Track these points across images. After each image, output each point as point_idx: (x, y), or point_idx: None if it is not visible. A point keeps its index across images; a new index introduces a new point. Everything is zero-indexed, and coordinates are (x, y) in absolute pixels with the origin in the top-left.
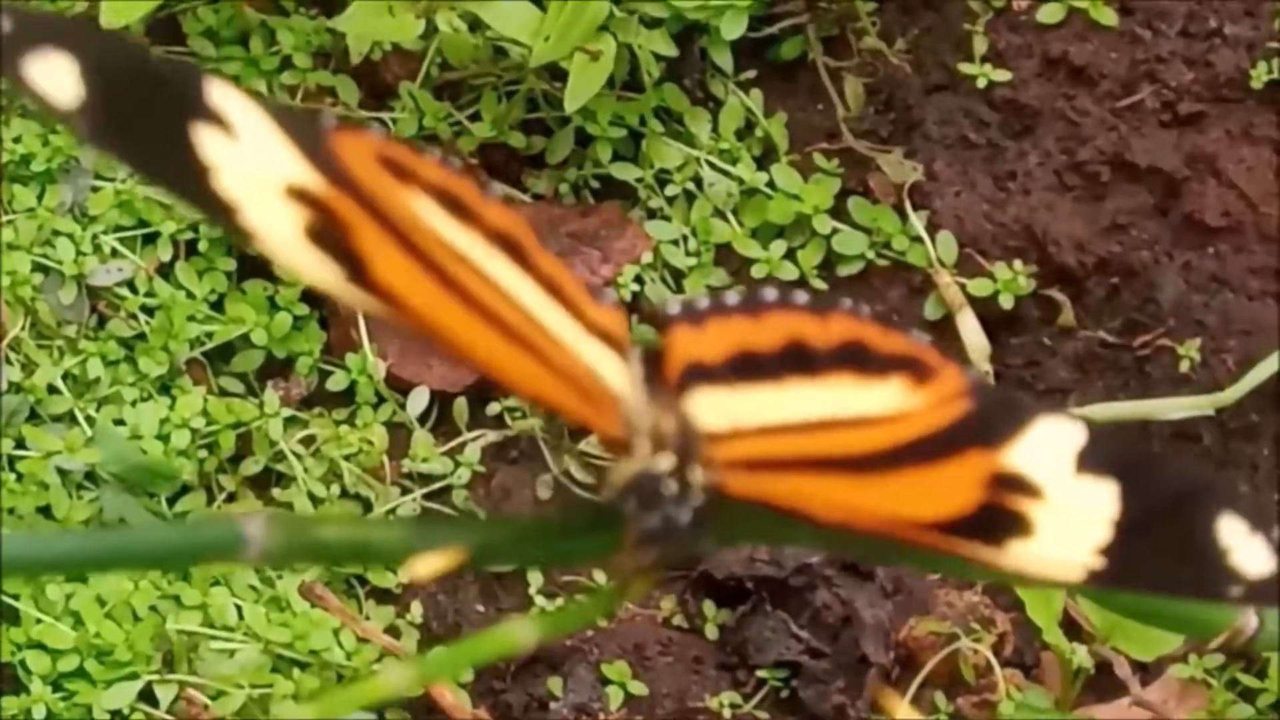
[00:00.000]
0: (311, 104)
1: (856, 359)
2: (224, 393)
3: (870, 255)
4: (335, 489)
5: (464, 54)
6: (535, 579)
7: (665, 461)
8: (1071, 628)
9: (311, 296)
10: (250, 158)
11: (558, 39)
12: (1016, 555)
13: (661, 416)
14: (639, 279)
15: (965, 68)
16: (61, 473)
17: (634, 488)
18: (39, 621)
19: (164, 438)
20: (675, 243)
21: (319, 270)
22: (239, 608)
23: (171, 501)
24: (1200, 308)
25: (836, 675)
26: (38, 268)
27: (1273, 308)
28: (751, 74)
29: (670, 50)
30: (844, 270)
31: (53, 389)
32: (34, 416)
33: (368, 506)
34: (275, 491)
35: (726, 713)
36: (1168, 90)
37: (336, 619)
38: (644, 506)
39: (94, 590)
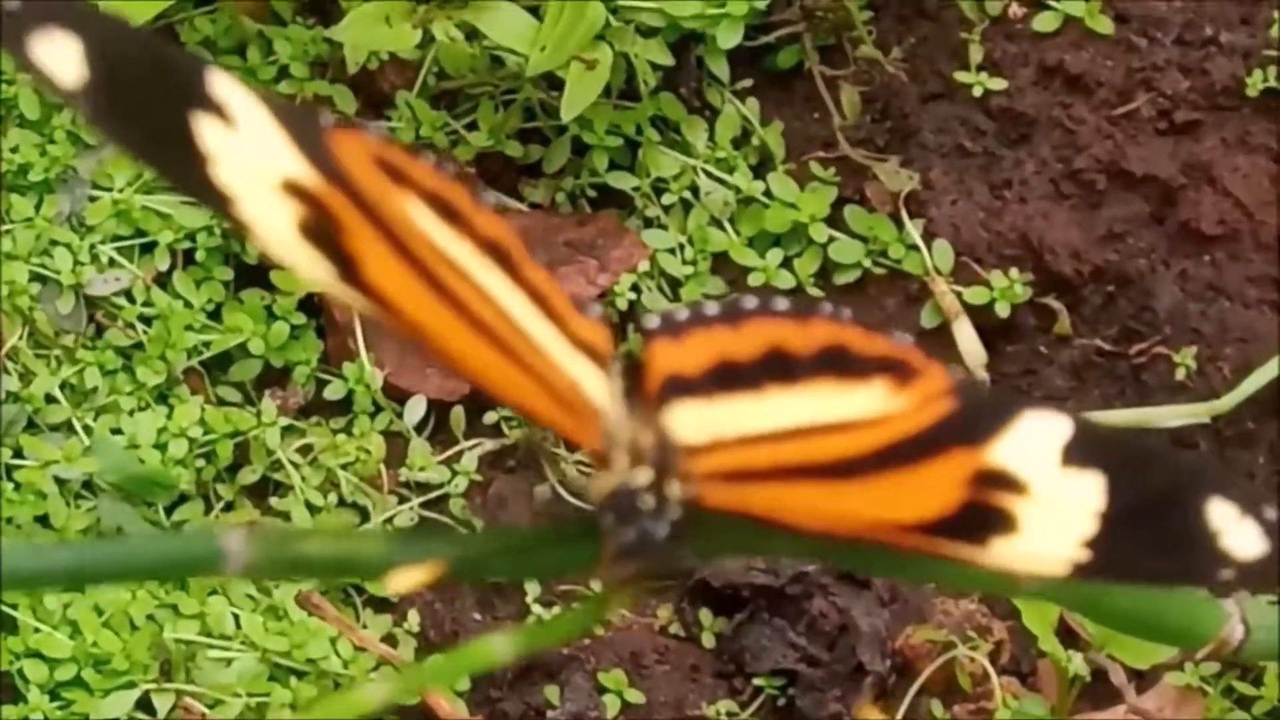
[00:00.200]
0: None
1: (838, 363)
2: (221, 402)
3: (867, 264)
4: (333, 498)
5: (461, 63)
6: (532, 588)
7: (643, 476)
8: (1068, 635)
9: (309, 306)
10: (248, 150)
11: (554, 48)
12: (1000, 552)
13: (640, 431)
14: (636, 288)
15: (961, 76)
16: (59, 482)
17: (611, 502)
18: (37, 630)
19: (161, 447)
20: (672, 251)
21: (312, 267)
22: (236, 616)
23: (169, 511)
24: (1196, 316)
25: (833, 683)
26: (35, 277)
27: (1269, 316)
28: (748, 83)
29: (667, 59)
30: (841, 279)
31: (50, 398)
32: (31, 426)
33: (365, 515)
34: (273, 500)
35: None
36: (1164, 98)
37: (333, 628)
38: (621, 521)
39: (91, 599)
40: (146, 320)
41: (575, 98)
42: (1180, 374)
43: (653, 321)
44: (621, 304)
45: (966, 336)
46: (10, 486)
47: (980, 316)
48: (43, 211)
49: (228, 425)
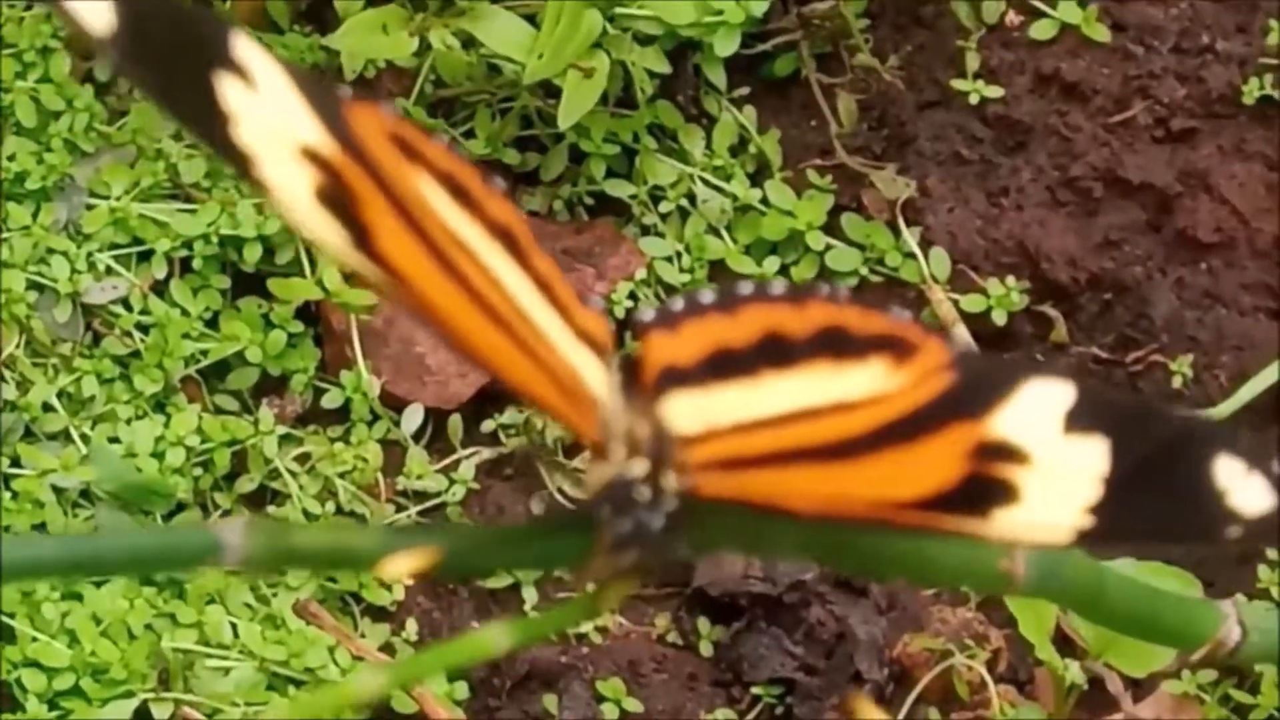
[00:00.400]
0: None
1: (835, 344)
2: (219, 410)
3: (864, 271)
4: (330, 506)
5: (458, 71)
6: (530, 594)
7: (639, 467)
8: (1064, 644)
9: (306, 314)
10: (269, 113)
11: (551, 56)
12: (1003, 523)
13: (637, 422)
14: (633, 295)
15: (958, 84)
16: (57, 490)
17: (607, 493)
18: (34, 640)
19: (159, 455)
20: (669, 259)
21: (327, 233)
22: (234, 625)
23: (167, 519)
24: (1193, 323)
25: (830, 692)
26: (32, 285)
27: (1266, 323)
28: (745, 91)
29: (664, 67)
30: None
31: (48, 407)
32: (29, 434)
33: (362, 524)
34: (270, 509)
35: None
36: (1160, 106)
37: (331, 637)
38: (617, 512)
39: (89, 608)
40: (144, 328)
41: (572, 105)
42: (1177, 382)
43: (648, 314)
44: (619, 312)
45: (963, 344)
46: (8, 495)
47: (977, 324)
48: (40, 219)
49: (225, 434)
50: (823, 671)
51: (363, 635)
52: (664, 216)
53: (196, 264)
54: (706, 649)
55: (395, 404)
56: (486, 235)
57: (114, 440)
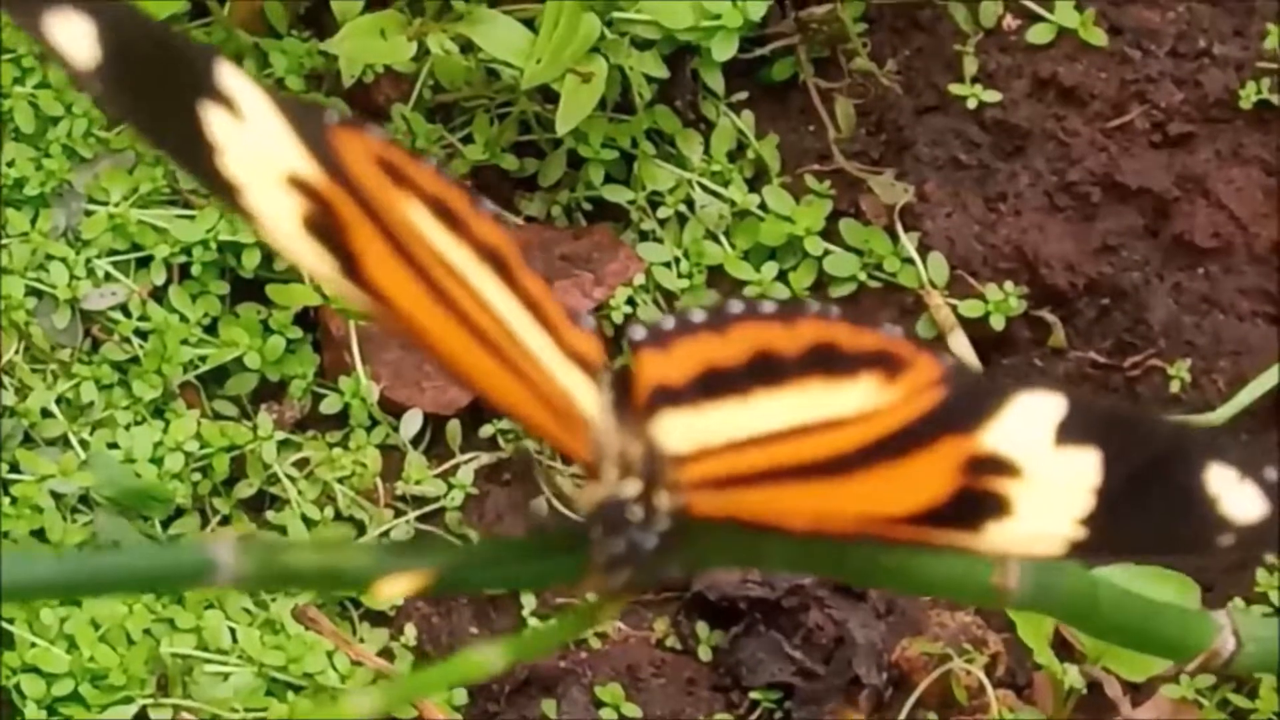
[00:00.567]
0: None
1: (826, 361)
2: (217, 416)
3: (862, 277)
4: (329, 511)
5: (456, 76)
6: (529, 601)
7: (631, 487)
8: (1063, 648)
9: (305, 320)
10: (255, 142)
11: (549, 61)
12: (995, 537)
13: (629, 442)
14: (631, 301)
15: (956, 89)
16: (55, 496)
17: (600, 513)
18: (33, 645)
19: (158, 461)
20: (667, 265)
21: (315, 261)
22: (233, 631)
23: (165, 525)
24: (1191, 328)
25: (829, 696)
26: (31, 292)
27: (1263, 328)
28: (743, 96)
29: (661, 72)
30: (836, 291)
31: (46, 413)
32: (28, 440)
33: (361, 529)
34: (269, 515)
35: None
36: (1157, 111)
37: (330, 642)
38: (609, 532)
39: (88, 614)
40: (142, 335)
41: (570, 111)
42: (1175, 387)
43: (639, 333)
44: (617, 317)
45: (961, 350)
46: (7, 501)
47: (975, 329)
48: (38, 226)
49: (224, 439)
50: (821, 676)
51: (361, 640)
52: (662, 222)
53: (195, 270)
54: (705, 653)
55: (394, 409)
56: (475, 257)
57: (113, 446)
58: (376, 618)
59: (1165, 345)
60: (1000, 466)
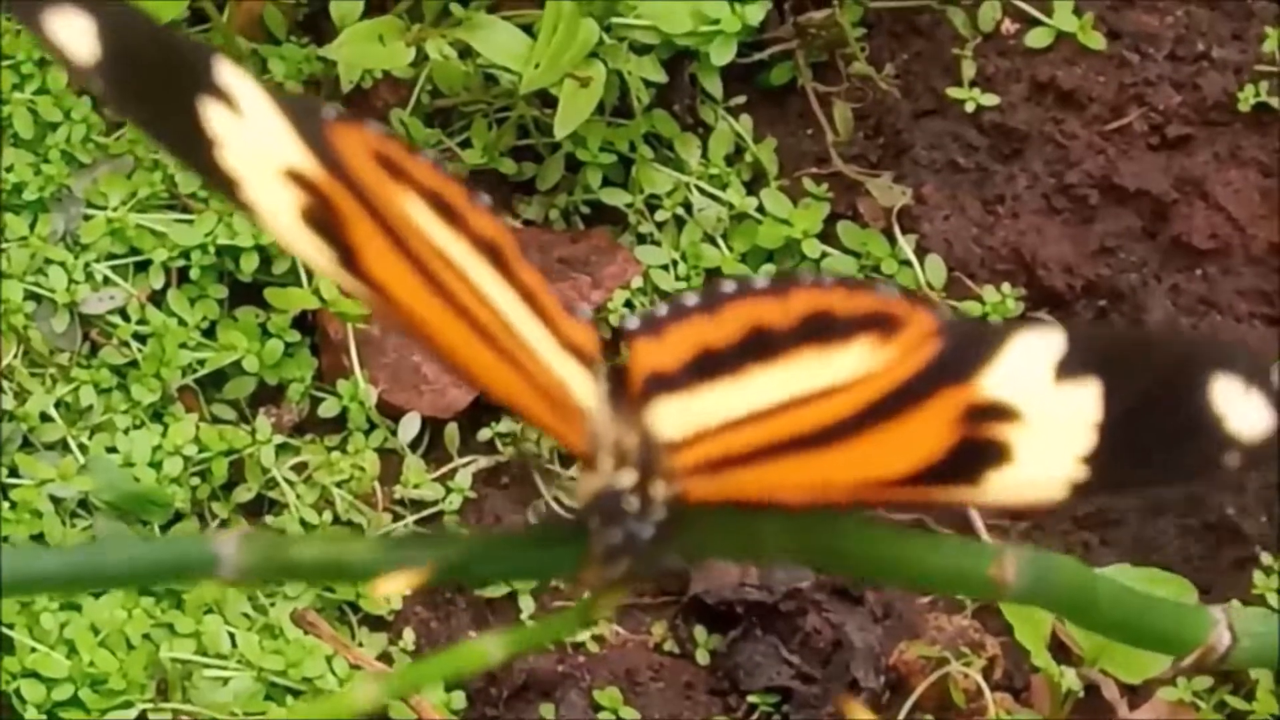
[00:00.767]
0: None
1: (820, 330)
2: (216, 420)
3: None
4: (327, 515)
5: (454, 81)
6: (527, 604)
7: (627, 478)
8: (1060, 650)
9: (303, 323)
10: (254, 137)
11: (548, 66)
12: (995, 486)
13: (624, 432)
14: (629, 304)
15: (954, 92)
16: (55, 500)
17: (596, 504)
18: (33, 650)
19: (156, 465)
20: (665, 268)
21: (313, 253)
22: (232, 635)
23: (164, 529)
24: (1188, 330)
25: (827, 700)
26: (30, 296)
27: (1261, 329)
28: (741, 99)
29: (660, 76)
30: None
31: (45, 417)
32: (27, 444)
33: (360, 533)
34: (268, 518)
35: None
36: (1156, 113)
37: (329, 646)
38: (606, 522)
39: (88, 619)
40: (141, 338)
41: (569, 115)
42: None
43: (633, 322)
44: (615, 320)
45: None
46: (6, 505)
47: None
48: (37, 230)
49: (222, 443)
50: (819, 679)
51: (360, 644)
52: (660, 225)
53: (194, 274)
54: (703, 657)
55: (392, 413)
56: (473, 250)
57: (112, 450)
58: (375, 622)
59: None
60: (998, 412)
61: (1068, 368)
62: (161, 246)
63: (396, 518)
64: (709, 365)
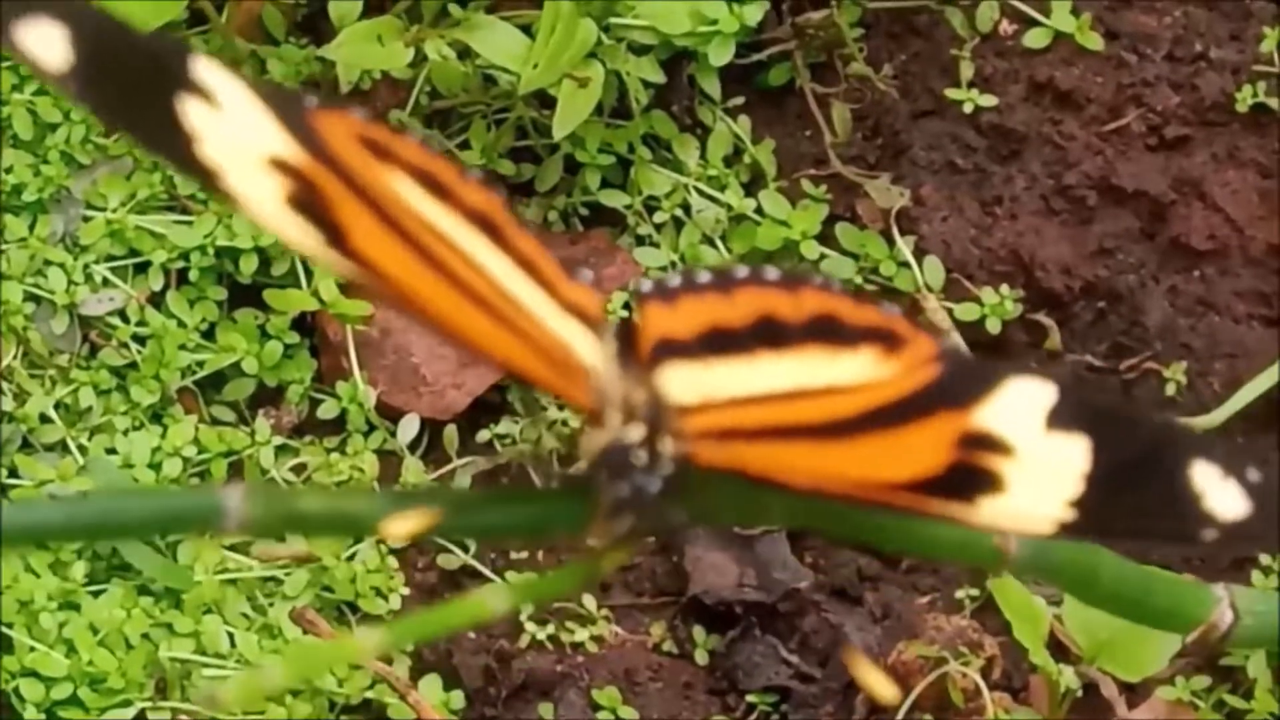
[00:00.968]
0: None
1: (828, 331)
2: (215, 421)
3: (858, 281)
4: None
5: (453, 82)
6: (526, 606)
7: (635, 432)
8: (1058, 649)
9: (302, 325)
10: (233, 129)
11: (546, 66)
12: (988, 511)
13: (633, 389)
14: (628, 305)
15: (952, 93)
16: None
17: (604, 458)
18: (32, 649)
19: (156, 466)
20: (664, 269)
21: (299, 236)
22: (231, 635)
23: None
24: (1186, 331)
25: (826, 700)
26: (29, 297)
27: (1259, 330)
28: (739, 100)
29: (658, 77)
30: None
31: (45, 418)
32: (26, 445)
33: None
34: None
35: None
36: (1154, 114)
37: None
38: (614, 475)
39: (87, 618)
40: (140, 340)
41: (567, 116)
42: (1171, 389)
43: (646, 285)
44: (613, 320)
45: (951, 341)
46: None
47: (971, 333)
48: (37, 231)
49: (222, 444)
50: (818, 679)
51: None
52: (659, 227)
53: (193, 275)
54: (702, 657)
55: (391, 414)
56: (466, 223)
57: (111, 451)
58: (374, 621)
59: (1161, 348)
60: (993, 444)
61: (1058, 419)
62: (161, 248)
63: None
64: (721, 341)
